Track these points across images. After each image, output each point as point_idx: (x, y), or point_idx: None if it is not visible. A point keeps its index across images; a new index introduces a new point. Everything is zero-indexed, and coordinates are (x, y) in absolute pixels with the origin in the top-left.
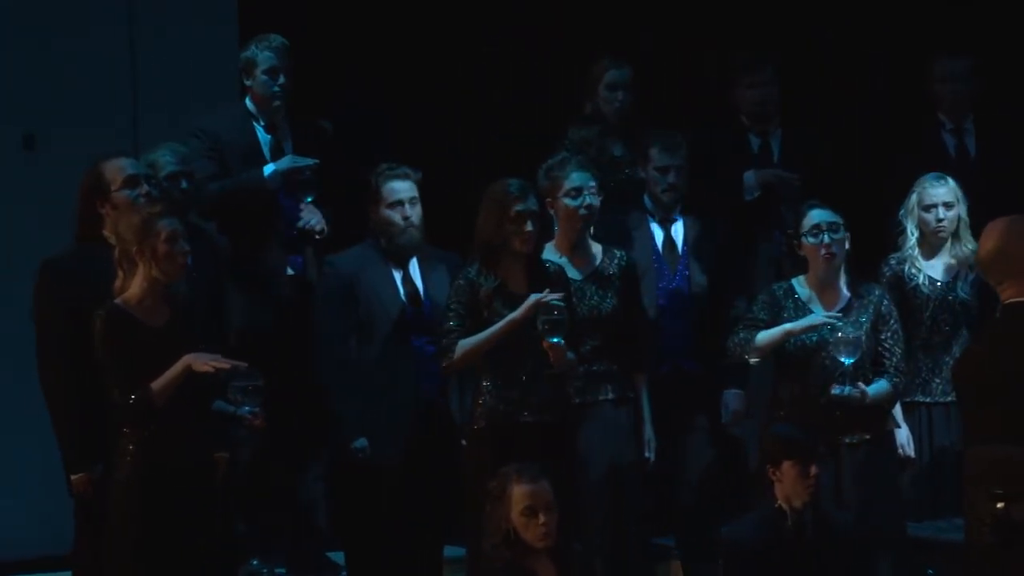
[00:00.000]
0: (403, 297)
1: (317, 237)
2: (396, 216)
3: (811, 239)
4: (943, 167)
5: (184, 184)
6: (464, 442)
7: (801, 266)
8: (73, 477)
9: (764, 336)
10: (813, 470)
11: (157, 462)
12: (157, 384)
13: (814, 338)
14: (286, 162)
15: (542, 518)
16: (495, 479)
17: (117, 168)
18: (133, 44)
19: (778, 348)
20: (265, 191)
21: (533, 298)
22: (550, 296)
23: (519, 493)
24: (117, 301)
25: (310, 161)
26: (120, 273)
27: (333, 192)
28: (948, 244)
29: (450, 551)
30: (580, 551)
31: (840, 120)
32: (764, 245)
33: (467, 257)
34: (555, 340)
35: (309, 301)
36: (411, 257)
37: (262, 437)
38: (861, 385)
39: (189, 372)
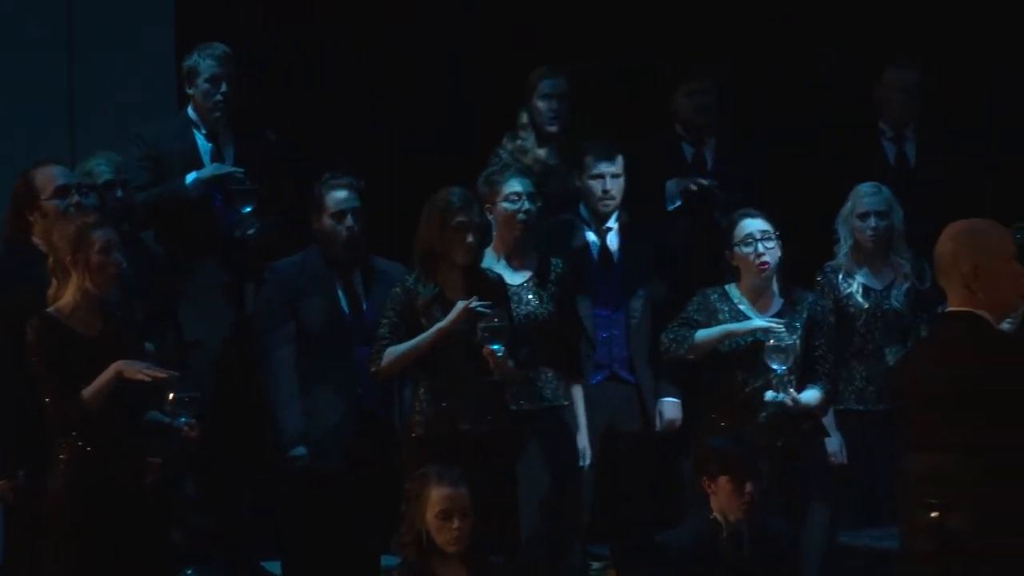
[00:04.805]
0: (344, 306)
1: (255, 246)
2: (338, 226)
3: (744, 249)
4: (882, 175)
5: (119, 193)
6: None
7: (734, 275)
8: None
9: (704, 335)
10: (748, 487)
11: (91, 471)
12: (88, 391)
13: (749, 340)
14: (207, 170)
15: (456, 523)
16: (414, 479)
17: (48, 177)
18: (71, 52)
19: (712, 350)
20: (187, 200)
21: (461, 306)
22: (477, 304)
23: (436, 496)
24: (50, 310)
25: (233, 169)
26: (54, 281)
27: (276, 201)
28: (882, 253)
29: (388, 560)
30: (497, 561)
31: (779, 129)
32: (696, 252)
33: (410, 266)
34: (495, 347)
35: (248, 310)
36: (353, 267)
37: (197, 446)
38: (792, 391)
39: (120, 380)
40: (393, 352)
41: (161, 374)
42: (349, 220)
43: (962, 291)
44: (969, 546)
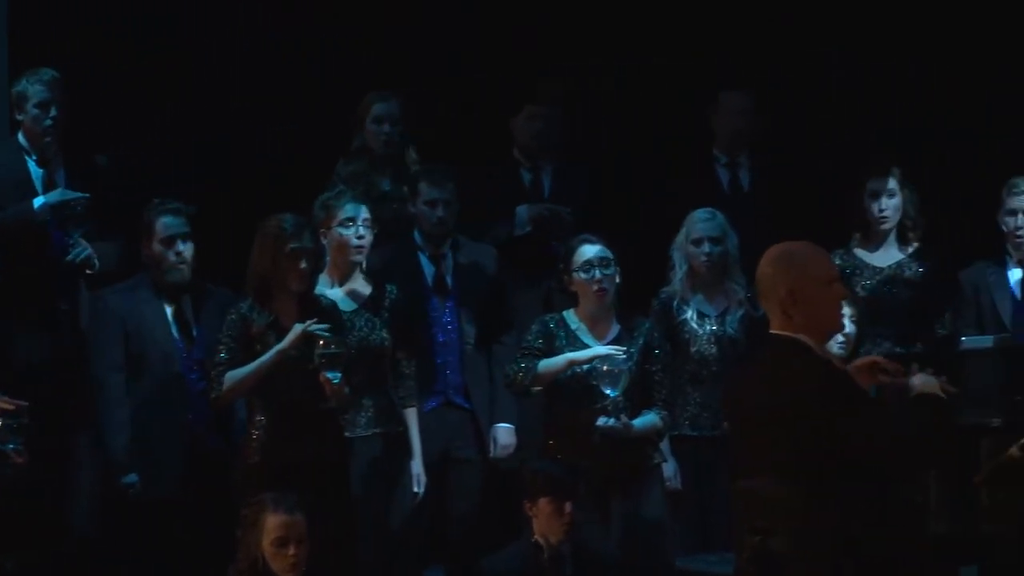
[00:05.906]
0: (175, 333)
1: (88, 272)
2: (168, 251)
3: (583, 275)
4: (716, 201)
5: None
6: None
7: (571, 300)
8: None
9: (546, 365)
10: (568, 508)
11: None
12: None
13: (585, 368)
14: (56, 195)
15: (292, 549)
16: (250, 506)
17: None
18: None
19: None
20: (35, 224)
21: (299, 328)
22: (316, 327)
23: (272, 523)
24: None
25: (80, 195)
26: None
27: (106, 226)
28: (717, 279)
29: None
30: None
31: (615, 154)
32: (534, 279)
33: (240, 293)
34: (331, 375)
35: (80, 335)
36: (183, 293)
37: (27, 471)
38: (624, 417)
39: None
40: (233, 376)
41: (9, 406)
42: (179, 246)
43: (781, 315)
44: (789, 570)
